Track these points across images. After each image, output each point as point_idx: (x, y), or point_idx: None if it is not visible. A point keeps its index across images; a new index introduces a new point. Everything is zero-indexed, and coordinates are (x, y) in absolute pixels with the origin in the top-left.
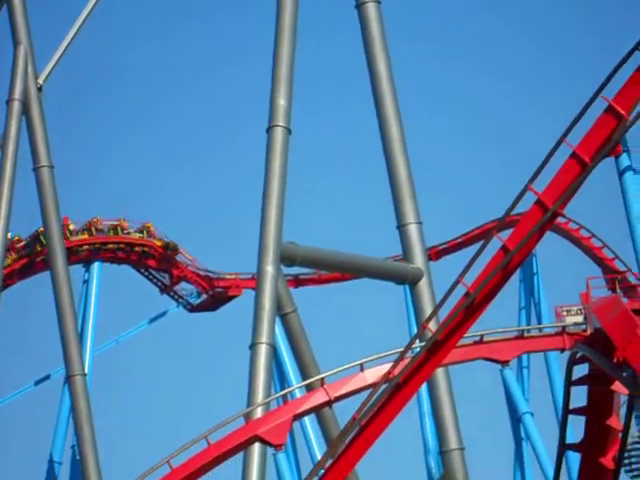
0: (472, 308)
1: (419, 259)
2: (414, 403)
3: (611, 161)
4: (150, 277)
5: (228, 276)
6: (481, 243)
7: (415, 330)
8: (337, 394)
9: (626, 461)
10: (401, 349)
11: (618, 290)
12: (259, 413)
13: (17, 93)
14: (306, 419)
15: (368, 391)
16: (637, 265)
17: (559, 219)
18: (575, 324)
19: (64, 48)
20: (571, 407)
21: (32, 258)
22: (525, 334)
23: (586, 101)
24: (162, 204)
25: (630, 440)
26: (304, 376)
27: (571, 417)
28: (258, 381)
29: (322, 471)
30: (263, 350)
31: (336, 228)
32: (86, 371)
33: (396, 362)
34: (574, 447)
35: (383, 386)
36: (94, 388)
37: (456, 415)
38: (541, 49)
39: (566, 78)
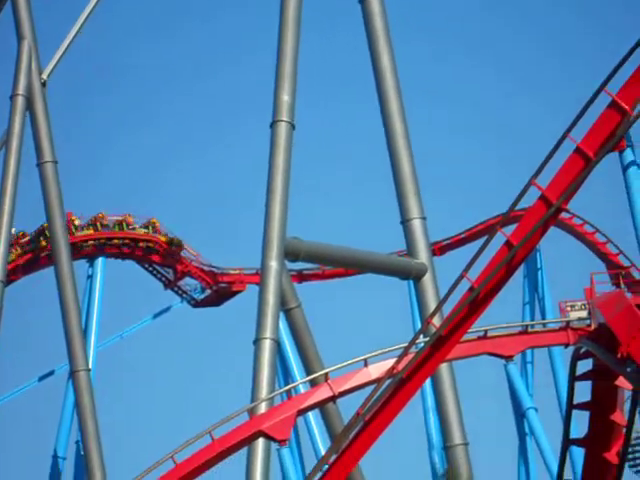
0: (476, 303)
1: (423, 254)
2: (418, 398)
3: (615, 156)
4: (154, 272)
5: (232, 271)
6: (485, 238)
7: (419, 325)
8: (341, 389)
9: (630, 456)
10: (405, 344)
11: (622, 285)
12: (263, 408)
13: (21, 88)
14: (310, 414)
15: (372, 386)
16: None
17: (563, 214)
18: (579, 319)
19: (68, 43)
20: (575, 402)
21: (36, 253)
22: (529, 329)
23: (589, 96)
24: (166, 200)
25: (634, 435)
26: (308, 371)
27: (575, 412)
28: (262, 376)
29: (326, 466)
30: (267, 345)
31: (340, 223)
32: (90, 366)
33: (400, 357)
34: (578, 442)
35: (387, 381)
36: (98, 383)
37: (460, 410)
38: (542, 47)
39: (569, 75)
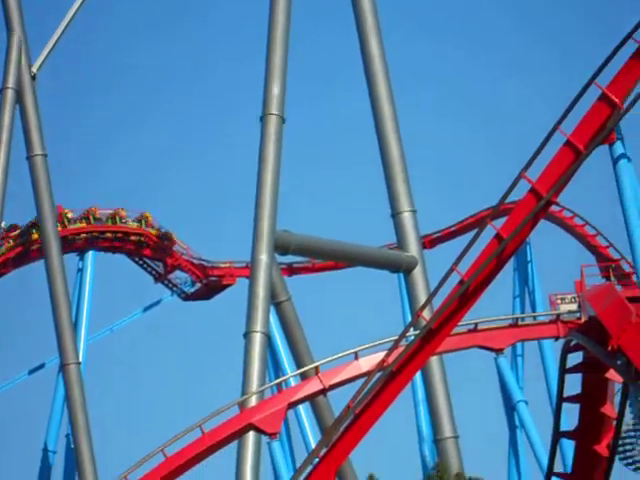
0: (466, 296)
1: (413, 247)
2: (408, 391)
3: (605, 149)
4: (144, 266)
5: (222, 265)
6: (475, 231)
7: (409, 318)
8: (331, 382)
9: (620, 449)
10: (395, 337)
11: (612, 278)
12: (253, 402)
13: (11, 82)
14: (301, 407)
15: (362, 379)
16: (631, 253)
17: (553, 207)
18: (569, 312)
19: (58, 37)
20: (565, 395)
21: (27, 247)
22: (519, 322)
23: (580, 89)
24: (156, 193)
25: (624, 428)
26: (298, 364)
27: (565, 405)
28: (252, 370)
29: (317, 459)
30: (257, 339)
31: (330, 216)
32: (80, 360)
33: (390, 350)
34: (568, 435)
35: (377, 374)
36: (88, 377)
37: (450, 403)
38: (531, 30)
39: (562, 65)
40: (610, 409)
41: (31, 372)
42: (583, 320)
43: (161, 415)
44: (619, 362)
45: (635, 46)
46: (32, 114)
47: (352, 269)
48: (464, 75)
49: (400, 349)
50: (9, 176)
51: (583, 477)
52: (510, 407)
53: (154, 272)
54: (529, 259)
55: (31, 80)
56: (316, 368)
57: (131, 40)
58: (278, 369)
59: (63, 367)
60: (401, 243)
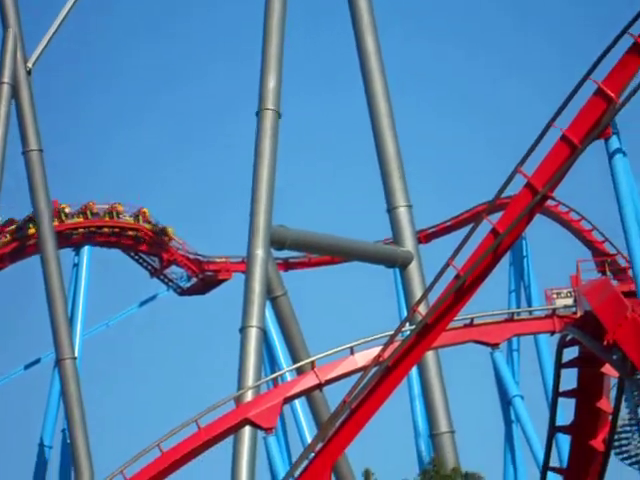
0: (462, 291)
1: (409, 242)
2: (404, 386)
3: (601, 144)
4: (140, 261)
5: (218, 259)
6: (471, 226)
7: (405, 313)
8: (327, 377)
9: (616, 443)
10: (391, 332)
11: (608, 273)
12: (249, 396)
13: (6, 76)
14: (296, 402)
15: (358, 374)
16: (627, 248)
17: (549, 202)
18: (565, 307)
19: (53, 32)
20: (561, 390)
21: (23, 242)
22: (515, 317)
23: (575, 84)
24: (152, 188)
25: (620, 423)
26: (294, 359)
27: (561, 400)
28: (248, 364)
29: (312, 454)
30: (253, 333)
31: (326, 211)
32: (76, 355)
33: (386, 345)
34: (564, 430)
35: (373, 369)
36: (84, 372)
37: (446, 398)
38: (536, 36)
39: (556, 59)
40: (606, 404)
41: (27, 367)
42: (579, 315)
43: (157, 410)
44: (615, 357)
45: (631, 41)
46: (28, 109)
47: (348, 264)
48: (464, 75)
49: (396, 344)
50: (5, 171)
51: (579, 472)
52: (506, 402)
53: (150, 267)
54: (525, 254)
55: (27, 75)
56: (312, 363)
57: (127, 36)
58: (274, 364)
59: (59, 362)
60: (397, 238)
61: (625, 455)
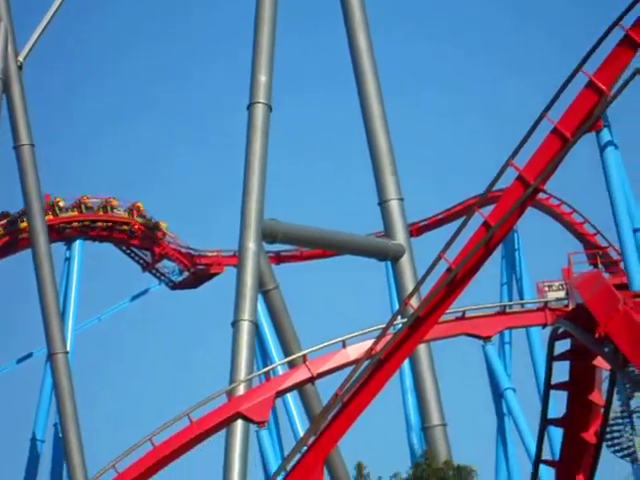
0: (454, 284)
1: (401, 235)
2: (396, 379)
3: (592, 136)
4: (132, 255)
5: (210, 253)
6: (463, 219)
7: (397, 306)
8: (319, 371)
9: (608, 436)
10: (383, 325)
11: (600, 265)
12: (241, 390)
13: None
14: (289, 396)
15: (350, 368)
16: (618, 240)
17: (540, 195)
18: (557, 299)
19: (45, 26)
20: (553, 382)
21: (15, 235)
22: (507, 310)
23: (567, 76)
24: (145, 183)
25: (612, 415)
26: (286, 353)
27: (553, 392)
28: (240, 358)
29: (305, 448)
30: (245, 327)
31: (318, 205)
32: (68, 349)
33: (378, 338)
34: (556, 422)
35: (365, 362)
36: (76, 366)
37: (438, 391)
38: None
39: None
40: (598, 396)
41: (19, 361)
42: (571, 307)
43: (149, 404)
44: (606, 349)
45: (622, 33)
46: (19, 104)
47: (340, 257)
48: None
49: (388, 337)
50: None
51: (571, 464)
52: (498, 394)
53: (142, 261)
54: (517, 247)
55: (18, 69)
56: (304, 356)
57: (121, 31)
58: (266, 357)
59: (51, 356)
60: (388, 231)
61: (617, 447)
